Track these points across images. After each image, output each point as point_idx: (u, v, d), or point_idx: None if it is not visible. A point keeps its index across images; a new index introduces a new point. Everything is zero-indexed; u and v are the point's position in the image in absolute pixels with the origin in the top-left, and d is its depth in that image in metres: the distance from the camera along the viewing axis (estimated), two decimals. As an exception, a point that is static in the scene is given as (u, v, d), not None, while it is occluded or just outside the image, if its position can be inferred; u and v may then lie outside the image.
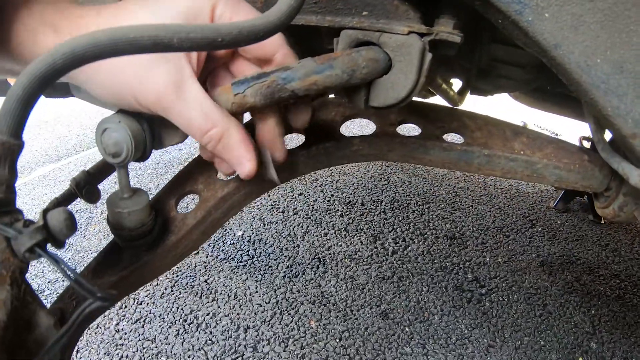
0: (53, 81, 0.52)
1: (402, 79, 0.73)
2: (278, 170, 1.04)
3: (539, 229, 2.70)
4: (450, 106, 1.23)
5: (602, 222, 2.88)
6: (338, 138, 1.05)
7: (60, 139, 4.21)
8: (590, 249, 2.57)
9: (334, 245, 2.38)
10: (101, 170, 1.22)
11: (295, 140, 3.07)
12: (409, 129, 1.11)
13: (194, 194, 0.97)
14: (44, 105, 4.38)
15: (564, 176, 1.06)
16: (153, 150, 0.72)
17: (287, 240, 2.41)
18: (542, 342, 1.89)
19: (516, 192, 3.14)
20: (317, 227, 2.52)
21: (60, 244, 0.50)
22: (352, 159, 1.08)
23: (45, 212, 0.50)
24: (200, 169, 0.99)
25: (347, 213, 2.67)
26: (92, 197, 1.17)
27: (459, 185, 3.15)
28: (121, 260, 0.82)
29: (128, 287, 0.86)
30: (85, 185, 1.15)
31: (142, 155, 0.70)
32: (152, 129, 0.70)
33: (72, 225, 0.49)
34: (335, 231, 2.49)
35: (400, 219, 2.65)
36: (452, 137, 1.10)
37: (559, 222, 2.82)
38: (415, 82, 0.72)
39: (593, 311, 2.10)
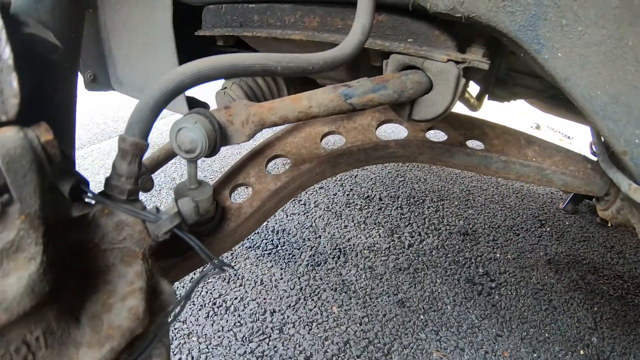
0: (176, 96, 0.67)
1: (440, 99, 0.88)
2: (325, 169, 1.17)
3: (548, 229, 2.81)
4: (472, 115, 1.37)
5: (609, 225, 2.96)
6: (376, 141, 1.19)
7: (82, 127, 4.33)
8: (596, 250, 2.68)
9: (354, 237, 2.52)
10: (156, 163, 1.38)
11: (335, 141, 3.17)
12: (436, 135, 1.26)
13: (247, 185, 1.10)
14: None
15: (570, 181, 1.21)
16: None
17: (309, 231, 2.55)
18: (547, 334, 2.02)
19: (527, 192, 3.26)
20: (338, 220, 2.66)
21: (186, 227, 0.64)
22: (387, 159, 1.23)
23: (176, 200, 0.64)
24: (252, 163, 1.13)
25: (366, 207, 2.81)
26: (147, 186, 1.33)
27: (472, 184, 3.27)
28: (178, 248, 0.92)
29: (190, 267, 0.98)
30: (142, 176, 1.30)
31: (212, 151, 0.83)
32: (222, 129, 0.83)
33: (198, 211, 0.63)
34: (354, 224, 2.63)
35: (416, 214, 2.78)
36: (473, 143, 1.24)
37: (567, 223, 2.93)
38: (451, 102, 0.88)
39: (596, 308, 2.21)
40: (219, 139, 0.82)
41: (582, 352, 1.96)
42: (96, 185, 2.10)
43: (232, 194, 1.09)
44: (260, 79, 1.45)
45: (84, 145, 3.90)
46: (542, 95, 1.54)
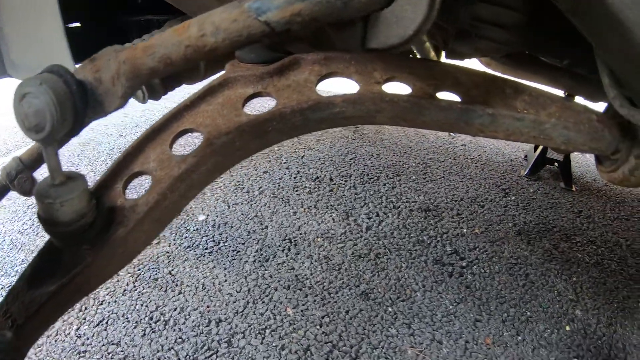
0: None
1: (409, 13, 0.59)
2: (249, 141, 0.90)
3: (513, 198, 2.64)
4: (444, 62, 1.11)
5: (574, 189, 2.87)
6: (316, 98, 0.90)
7: (8, 132, 3.91)
8: (565, 216, 2.53)
9: (305, 224, 2.25)
10: (36, 157, 1.06)
11: (264, 105, 2.92)
12: (397, 89, 0.98)
13: (146, 174, 0.82)
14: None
15: (573, 137, 0.96)
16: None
17: (255, 222, 2.27)
18: (529, 313, 1.83)
19: (486, 161, 3.08)
20: (285, 206, 2.39)
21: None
22: (333, 122, 0.94)
23: None
24: (153, 143, 0.85)
25: (316, 189, 2.55)
26: (26, 188, 1.02)
27: (429, 156, 3.07)
28: (60, 265, 0.67)
29: (71, 297, 0.70)
30: (17, 175, 1.00)
31: (72, 126, 0.54)
32: (84, 91, 0.54)
33: None
34: (304, 209, 2.37)
35: (371, 192, 2.54)
36: (445, 96, 0.97)
37: (531, 190, 2.78)
38: (426, 16, 0.59)
39: (574, 278, 2.05)
40: (80, 106, 0.54)
41: (567, 327, 1.79)
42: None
43: (128, 188, 0.81)
44: None
45: (10, 151, 3.48)
46: (506, 51, 1.36)
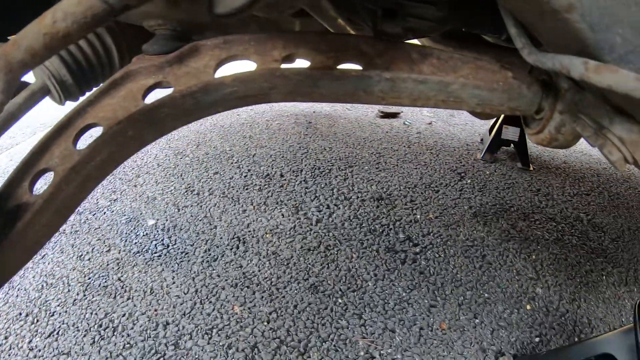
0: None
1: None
2: (142, 129, 0.87)
3: (469, 181, 2.61)
4: (346, 33, 1.06)
5: (531, 168, 2.86)
6: (207, 81, 0.86)
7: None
8: (523, 196, 2.51)
9: (254, 221, 2.18)
10: None
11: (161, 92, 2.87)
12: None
13: (50, 171, 0.83)
14: None
15: (487, 97, 0.91)
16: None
17: (204, 223, 2.19)
18: (486, 295, 1.79)
19: (441, 147, 3.05)
20: (235, 205, 2.32)
21: None
22: (227, 104, 0.89)
23: None
24: (57, 140, 0.84)
25: (266, 186, 2.48)
26: None
27: (382, 146, 3.02)
28: None
29: None
30: None
31: None
32: None
33: None
34: (253, 206, 2.30)
35: (322, 186, 2.48)
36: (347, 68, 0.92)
37: (487, 172, 2.75)
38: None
39: (534, 256, 2.02)
40: None
41: (528, 306, 1.76)
42: None
43: (35, 185, 0.83)
44: (83, 41, 1.13)
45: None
46: (440, 30, 1.27)
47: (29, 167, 0.82)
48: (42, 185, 0.76)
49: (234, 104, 0.89)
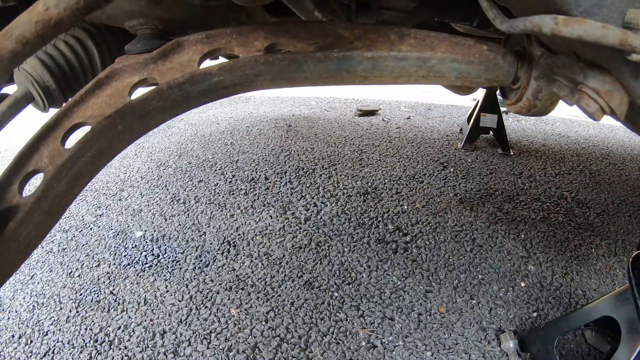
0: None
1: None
2: (131, 122, 0.87)
3: (452, 170, 2.63)
4: (326, 20, 1.07)
5: (512, 153, 2.90)
6: (192, 71, 0.88)
7: None
8: (506, 179, 2.54)
9: (242, 225, 2.18)
10: None
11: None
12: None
13: (39, 172, 0.83)
14: None
15: (465, 70, 0.93)
16: None
17: (192, 231, 2.18)
18: (480, 276, 1.81)
19: (422, 140, 3.08)
20: (222, 210, 2.31)
21: None
22: (215, 93, 0.91)
23: None
24: (45, 141, 0.85)
25: (252, 190, 2.48)
26: None
27: (364, 142, 3.04)
28: None
29: None
30: None
31: None
32: None
33: None
34: (241, 210, 2.29)
35: (307, 185, 2.49)
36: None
37: (469, 160, 2.78)
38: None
39: (522, 236, 2.05)
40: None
41: (522, 284, 1.78)
42: None
43: (24, 187, 0.83)
44: (62, 44, 1.13)
45: None
46: (415, 20, 1.32)
47: (18, 169, 0.82)
48: (32, 188, 0.76)
49: (221, 94, 0.90)
